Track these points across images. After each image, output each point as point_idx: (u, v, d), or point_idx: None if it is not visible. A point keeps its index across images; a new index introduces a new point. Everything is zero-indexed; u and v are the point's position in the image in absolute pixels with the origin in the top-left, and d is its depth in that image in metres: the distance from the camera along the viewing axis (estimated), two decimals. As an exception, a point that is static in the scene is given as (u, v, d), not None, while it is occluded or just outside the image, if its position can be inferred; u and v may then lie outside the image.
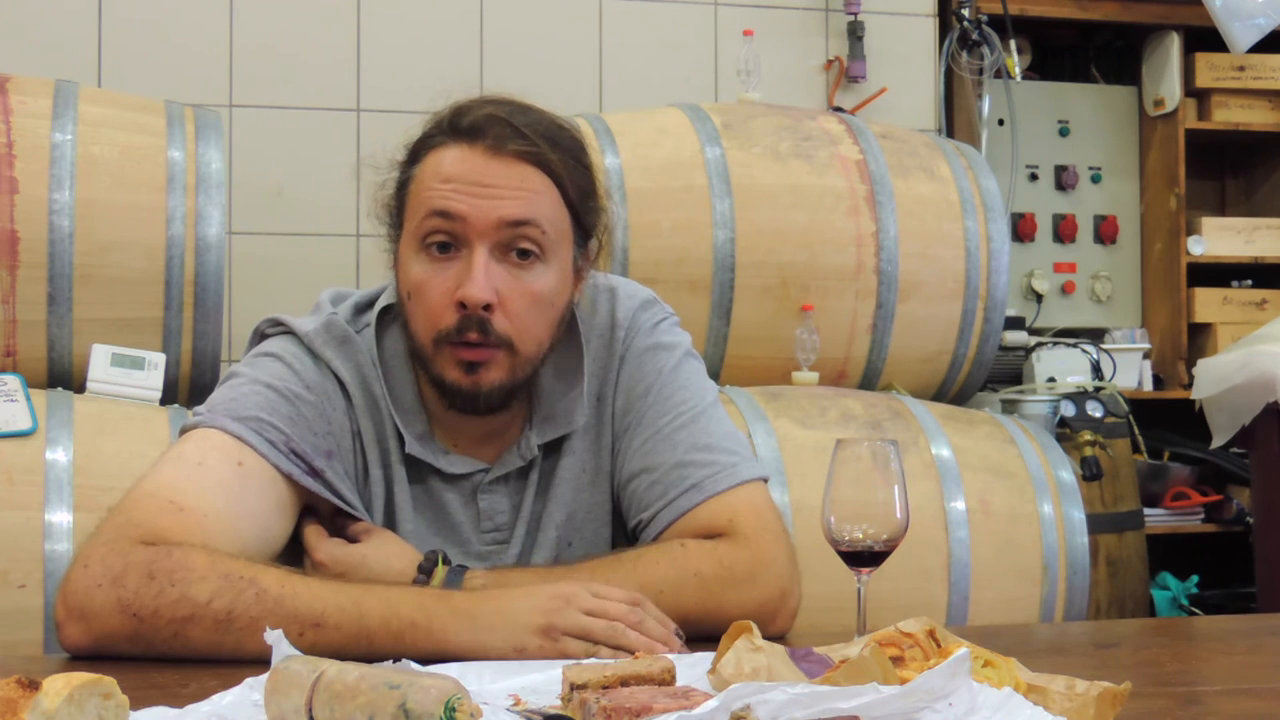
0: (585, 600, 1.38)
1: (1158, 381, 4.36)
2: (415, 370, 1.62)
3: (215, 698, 1.14)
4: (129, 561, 1.39)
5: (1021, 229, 4.42)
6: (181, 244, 2.60)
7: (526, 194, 1.53)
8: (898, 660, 1.16)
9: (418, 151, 1.58)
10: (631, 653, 1.34)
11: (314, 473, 1.55)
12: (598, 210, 1.62)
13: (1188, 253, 4.43)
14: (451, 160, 1.54)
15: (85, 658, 1.39)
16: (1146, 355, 4.34)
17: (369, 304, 1.66)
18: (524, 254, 1.54)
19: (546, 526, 1.65)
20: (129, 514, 1.44)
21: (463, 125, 1.55)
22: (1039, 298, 4.43)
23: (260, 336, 1.66)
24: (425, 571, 1.51)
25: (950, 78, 4.14)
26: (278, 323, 1.65)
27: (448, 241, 1.53)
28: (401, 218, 1.59)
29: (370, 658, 1.27)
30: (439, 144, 1.56)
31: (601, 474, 1.67)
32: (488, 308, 1.52)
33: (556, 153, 1.55)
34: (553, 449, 1.66)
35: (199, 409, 1.57)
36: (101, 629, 1.38)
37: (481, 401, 1.57)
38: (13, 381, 2.41)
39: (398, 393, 1.61)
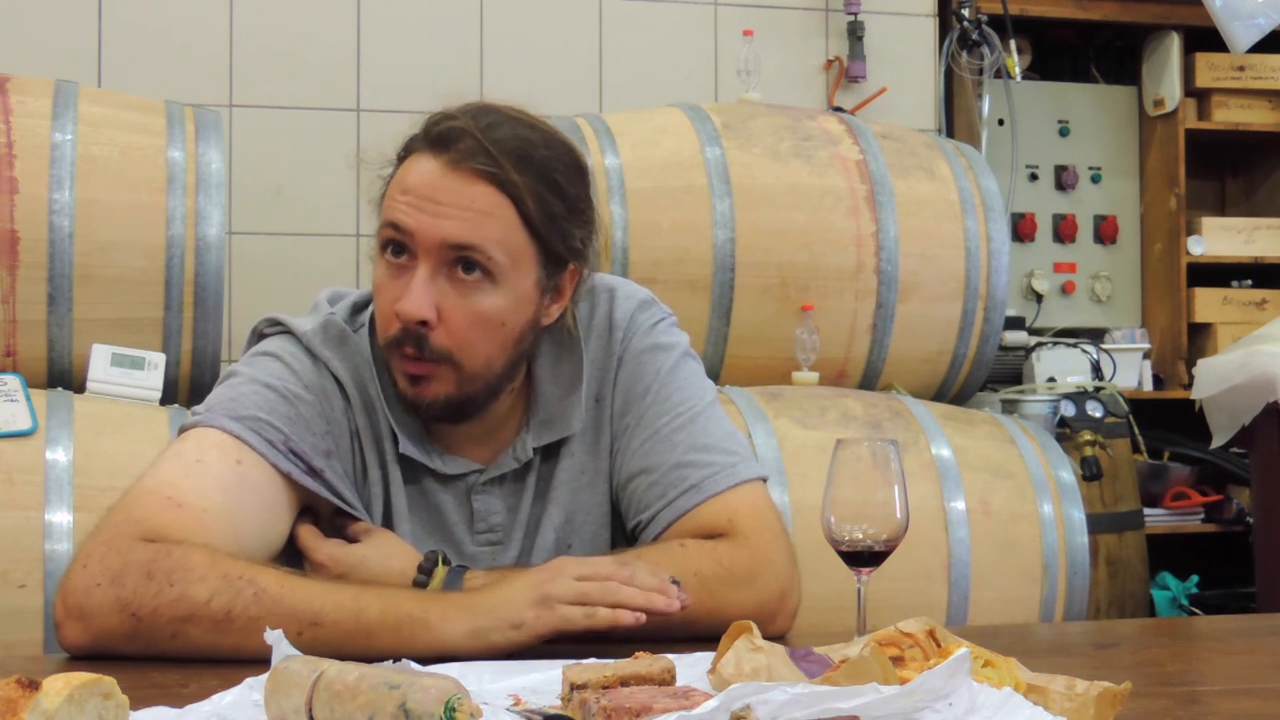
0: (574, 567, 1.39)
1: (1158, 381, 4.36)
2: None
3: (215, 698, 1.14)
4: (127, 560, 1.39)
5: (1021, 229, 4.42)
6: (181, 244, 2.59)
7: (475, 215, 1.51)
8: (898, 660, 1.16)
9: (402, 153, 1.58)
10: (632, 610, 1.36)
11: (313, 472, 1.55)
12: (572, 232, 1.58)
13: (1188, 253, 4.43)
14: (416, 171, 1.53)
15: (85, 657, 1.39)
16: (1146, 355, 4.34)
17: (366, 303, 1.67)
18: (469, 269, 1.52)
19: (545, 529, 1.65)
20: (128, 512, 1.45)
21: (434, 134, 1.54)
22: (1039, 298, 4.43)
23: (258, 336, 1.66)
24: (425, 572, 1.51)
25: (950, 78, 4.13)
26: (276, 322, 1.65)
27: (403, 250, 1.53)
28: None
29: (370, 654, 1.28)
30: (415, 149, 1.55)
31: (600, 475, 1.67)
32: (425, 324, 1.51)
33: (521, 173, 1.52)
34: (551, 451, 1.66)
35: (197, 408, 1.57)
36: (101, 628, 1.38)
37: (424, 412, 1.57)
38: (13, 381, 2.41)
39: (391, 392, 1.61)
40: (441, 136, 1.53)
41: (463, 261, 1.52)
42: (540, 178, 1.54)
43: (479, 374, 1.56)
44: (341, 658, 1.25)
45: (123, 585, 1.38)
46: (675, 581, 1.41)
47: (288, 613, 1.36)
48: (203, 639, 1.37)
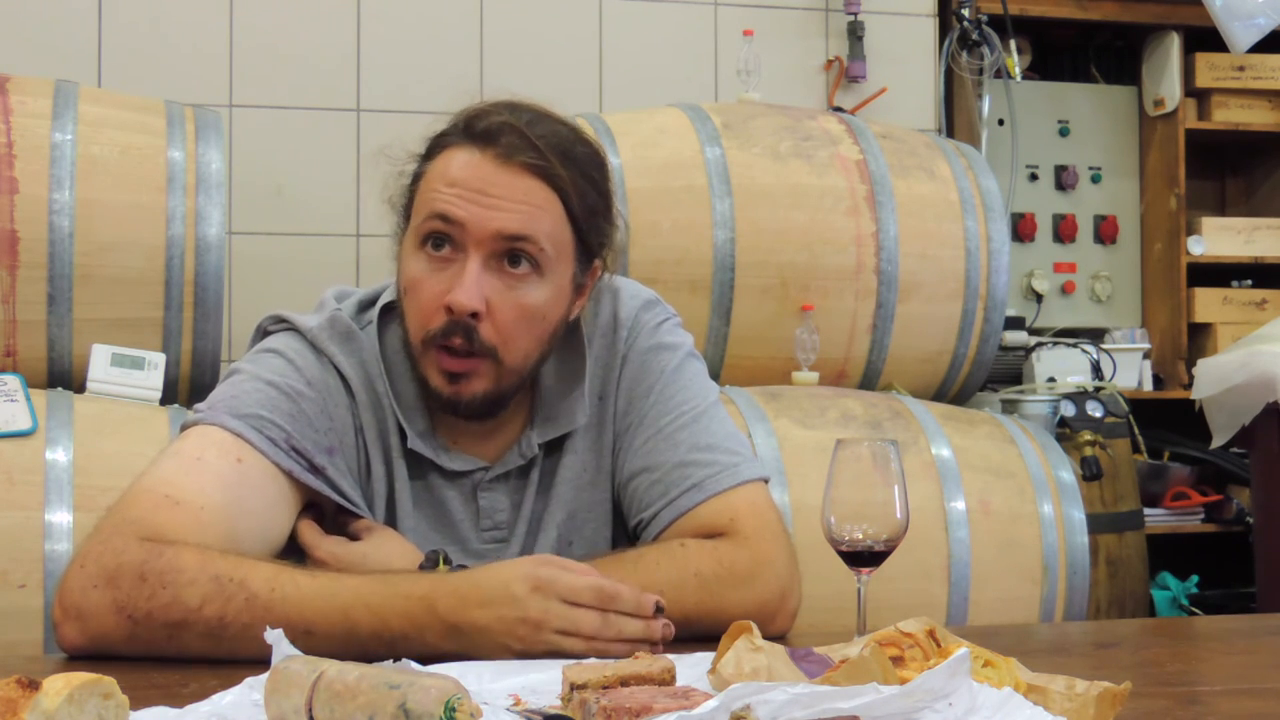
0: (557, 620, 1.35)
1: (1158, 381, 4.36)
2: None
3: (215, 698, 1.14)
4: (122, 561, 1.39)
5: (1021, 229, 4.42)
6: (181, 244, 2.60)
7: (528, 208, 1.53)
8: (898, 660, 1.16)
9: (432, 149, 1.59)
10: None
11: (315, 470, 1.54)
12: (605, 229, 1.62)
13: (1188, 253, 4.43)
14: (460, 164, 1.54)
15: (83, 658, 1.39)
16: (1146, 355, 4.34)
17: (372, 301, 1.67)
18: (516, 263, 1.54)
19: (547, 526, 1.65)
20: (125, 511, 1.44)
21: (477, 129, 1.55)
22: (1039, 298, 4.43)
23: (263, 333, 1.66)
24: (426, 572, 1.51)
25: (950, 78, 4.13)
26: (281, 319, 1.65)
27: (445, 243, 1.54)
28: (409, 211, 1.59)
29: (365, 660, 1.29)
30: (452, 144, 1.56)
31: (602, 473, 1.67)
32: (475, 315, 1.52)
33: (567, 168, 1.55)
34: (554, 448, 1.66)
35: (200, 405, 1.57)
36: (98, 629, 1.38)
37: (462, 410, 1.57)
38: (13, 381, 2.41)
39: (399, 389, 1.62)
40: (487, 132, 1.54)
41: (510, 254, 1.53)
42: (581, 173, 1.57)
43: (517, 368, 1.57)
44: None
45: (118, 587, 1.37)
46: (660, 609, 1.39)
47: (278, 621, 1.35)
48: (197, 644, 1.37)
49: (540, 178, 1.54)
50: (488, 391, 1.56)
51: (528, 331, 1.56)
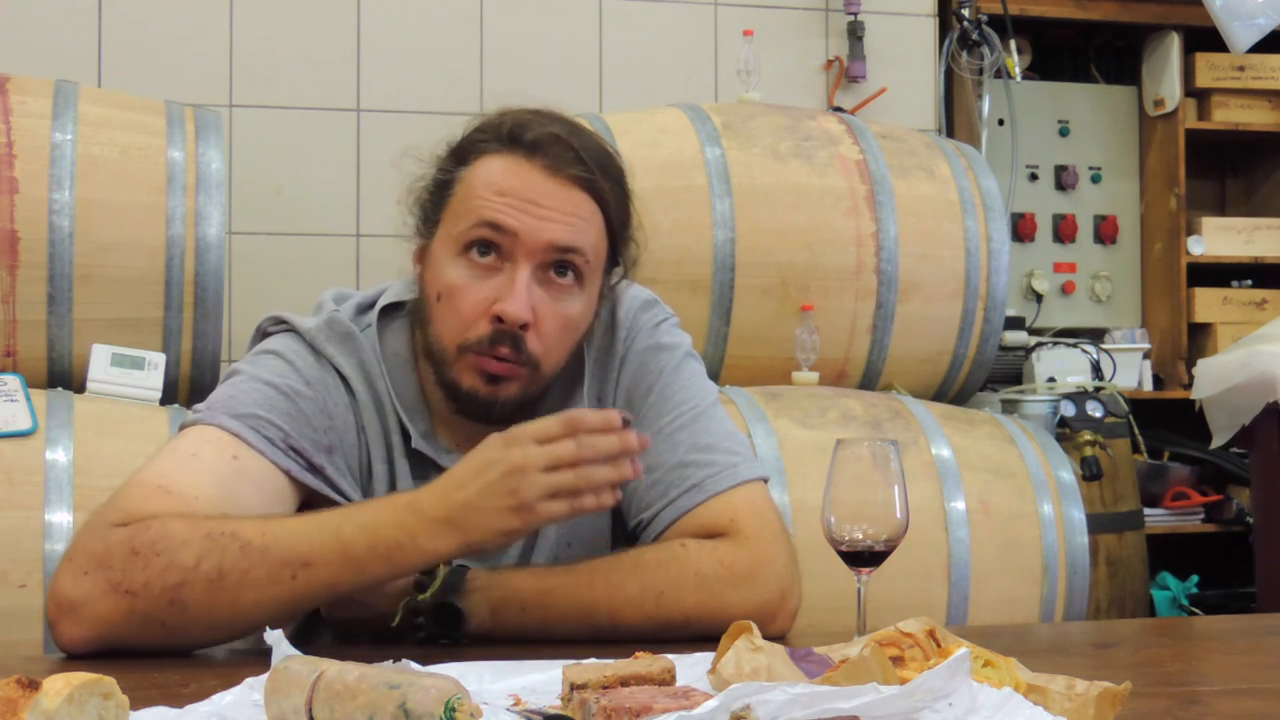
0: (538, 458, 1.39)
1: (1158, 381, 4.36)
2: (419, 369, 1.62)
3: (215, 698, 1.14)
4: (109, 543, 1.39)
5: (1021, 229, 4.42)
6: (181, 244, 2.60)
7: (577, 220, 1.55)
8: (898, 660, 1.16)
9: (466, 154, 1.59)
10: (611, 489, 1.41)
11: (313, 469, 1.54)
12: (631, 240, 1.64)
13: (1188, 253, 4.43)
14: (506, 172, 1.55)
15: (83, 656, 1.39)
16: (1146, 355, 4.34)
17: (370, 304, 1.67)
18: (562, 273, 1.56)
19: (546, 527, 1.64)
20: (115, 504, 1.45)
21: (524, 139, 1.56)
22: (1039, 298, 4.43)
23: (262, 334, 1.66)
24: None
25: (950, 78, 4.13)
26: (280, 320, 1.65)
27: (490, 251, 1.54)
28: (438, 215, 1.59)
29: (365, 583, 1.38)
30: (491, 151, 1.57)
31: (601, 474, 1.67)
32: (523, 326, 1.53)
33: (607, 181, 1.58)
34: (553, 449, 1.66)
35: (198, 406, 1.57)
36: (95, 616, 1.38)
37: (496, 412, 1.57)
38: (13, 381, 2.42)
39: (400, 390, 1.62)
40: (534, 142, 1.55)
41: (557, 265, 1.55)
42: (619, 186, 1.60)
43: (547, 377, 1.59)
44: (338, 590, 1.36)
45: (110, 567, 1.38)
46: (626, 421, 1.43)
47: (277, 561, 1.38)
48: (199, 602, 1.38)
49: (586, 190, 1.56)
50: (520, 395, 1.57)
51: (567, 342, 1.59)
